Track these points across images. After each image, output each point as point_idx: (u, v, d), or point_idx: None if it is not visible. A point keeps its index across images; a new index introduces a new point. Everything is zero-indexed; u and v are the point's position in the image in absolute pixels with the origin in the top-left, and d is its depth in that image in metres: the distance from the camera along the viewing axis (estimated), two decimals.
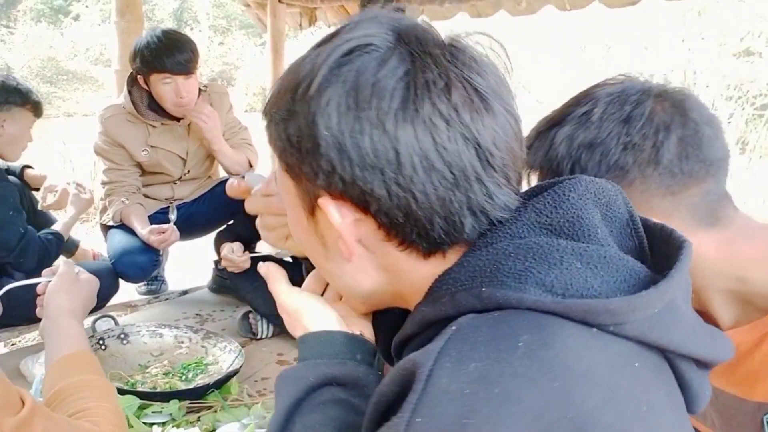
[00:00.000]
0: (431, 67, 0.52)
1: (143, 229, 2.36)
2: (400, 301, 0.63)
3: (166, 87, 2.31)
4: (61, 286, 1.29)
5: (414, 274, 0.58)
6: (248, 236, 2.31)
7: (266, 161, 4.22)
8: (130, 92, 2.44)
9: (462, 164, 0.52)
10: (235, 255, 2.21)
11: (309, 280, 0.80)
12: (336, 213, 0.55)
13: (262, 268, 0.79)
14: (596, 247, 0.53)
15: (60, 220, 2.43)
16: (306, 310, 0.71)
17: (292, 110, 0.55)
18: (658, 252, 0.58)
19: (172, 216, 2.47)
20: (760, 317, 0.81)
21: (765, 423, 0.82)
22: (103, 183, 2.53)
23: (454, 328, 0.49)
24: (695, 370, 0.57)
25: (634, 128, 0.77)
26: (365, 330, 0.72)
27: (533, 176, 0.86)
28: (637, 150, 0.77)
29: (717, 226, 0.81)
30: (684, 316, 0.55)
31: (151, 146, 2.47)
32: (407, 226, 0.54)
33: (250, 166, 2.63)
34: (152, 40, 2.29)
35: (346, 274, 0.62)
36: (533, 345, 0.47)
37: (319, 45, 0.57)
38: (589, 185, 0.57)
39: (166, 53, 2.27)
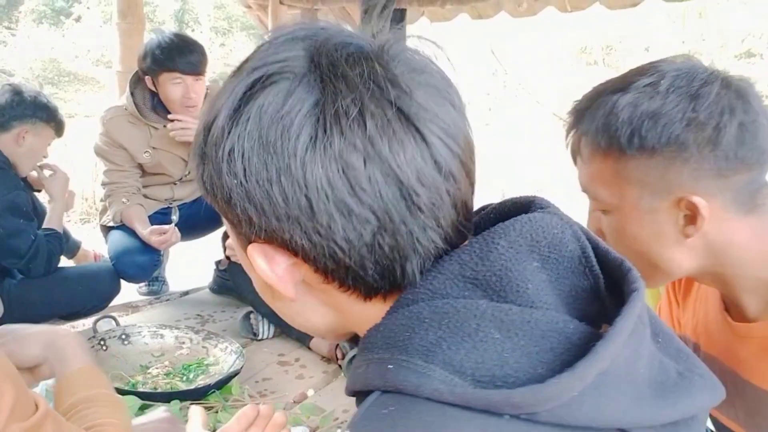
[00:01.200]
0: (343, 92, 0.45)
1: (144, 230, 2.36)
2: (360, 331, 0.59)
3: (176, 87, 2.33)
4: None
5: (361, 314, 0.54)
6: None
7: None
8: (132, 93, 2.44)
9: (384, 205, 0.46)
10: None
11: (231, 422, 0.87)
12: (263, 263, 0.51)
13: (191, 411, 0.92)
14: (521, 309, 0.47)
15: (47, 214, 2.42)
16: None
17: (203, 154, 0.50)
18: (616, 292, 0.51)
19: (174, 217, 2.48)
20: None
21: None
22: (104, 184, 2.53)
23: (347, 424, 0.47)
24: None
25: (701, 105, 0.77)
26: None
27: (583, 140, 0.85)
28: (700, 128, 0.77)
29: (755, 214, 0.82)
30: (623, 388, 0.47)
31: (153, 148, 2.47)
32: (340, 272, 0.49)
33: None
34: (164, 40, 2.31)
35: (296, 314, 0.58)
36: None
37: (233, 74, 0.51)
38: (524, 228, 0.50)
39: (178, 53, 2.29)
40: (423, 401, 0.45)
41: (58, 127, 2.36)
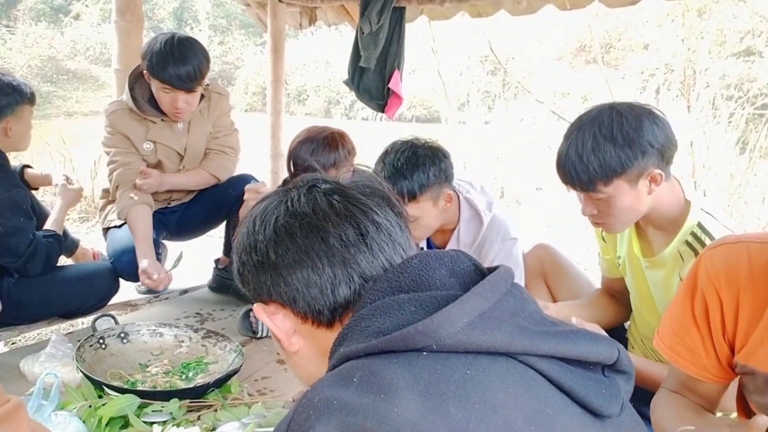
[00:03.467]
0: (292, 193, 0.80)
1: (143, 258, 2.29)
2: None
3: (165, 95, 2.31)
4: None
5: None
6: None
7: (266, 162, 4.22)
8: (132, 87, 2.42)
9: (316, 255, 0.75)
10: None
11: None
12: (263, 313, 0.79)
13: None
14: (431, 292, 0.68)
15: (51, 216, 2.42)
16: None
17: (233, 250, 0.86)
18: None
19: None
20: None
21: None
22: (110, 164, 2.45)
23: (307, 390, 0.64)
24: (569, 371, 0.67)
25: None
26: None
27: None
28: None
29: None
30: (508, 321, 0.66)
31: (152, 141, 2.47)
32: (300, 303, 0.75)
33: (218, 180, 2.61)
34: (163, 47, 2.24)
35: (300, 367, 0.82)
36: (364, 377, 0.61)
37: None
38: (430, 253, 0.73)
39: (171, 65, 2.22)
40: (362, 358, 0.64)
41: (31, 100, 2.29)
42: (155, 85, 2.31)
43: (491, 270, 0.73)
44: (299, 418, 0.61)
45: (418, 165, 1.81)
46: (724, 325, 1.04)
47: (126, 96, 2.43)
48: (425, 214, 1.86)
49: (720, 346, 1.06)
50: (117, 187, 2.41)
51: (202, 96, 2.47)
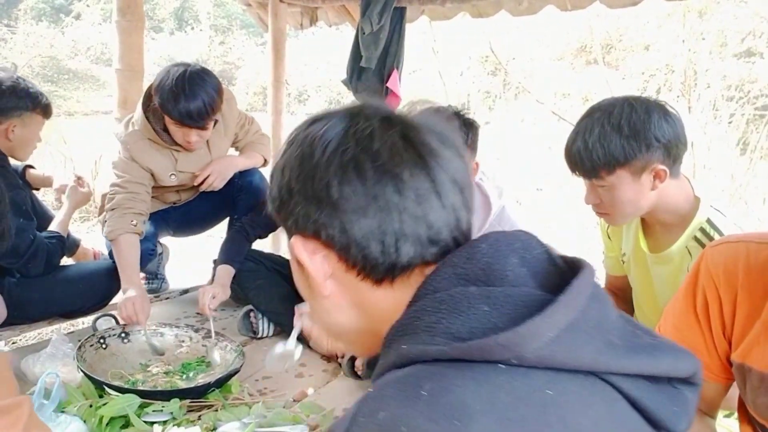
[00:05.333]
0: (362, 123, 0.66)
1: (127, 285, 2.18)
2: (379, 343, 0.70)
3: (176, 130, 2.25)
4: None
5: (378, 306, 0.68)
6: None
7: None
8: (145, 113, 2.33)
9: (384, 195, 0.64)
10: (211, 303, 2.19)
11: None
12: (302, 249, 0.67)
13: None
14: (503, 288, 0.60)
15: (56, 218, 2.42)
16: None
17: (271, 175, 0.72)
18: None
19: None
20: None
21: None
22: (117, 186, 2.34)
23: (370, 389, 0.56)
24: (647, 387, 0.60)
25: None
26: None
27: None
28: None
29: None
30: (594, 335, 0.58)
31: (179, 171, 2.43)
32: (353, 250, 0.65)
33: (265, 161, 2.66)
34: (174, 83, 2.14)
35: (326, 312, 0.72)
36: (435, 392, 0.53)
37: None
38: (499, 236, 0.65)
39: (181, 104, 2.14)
40: (431, 363, 0.56)
41: (44, 111, 2.30)
42: (167, 120, 2.24)
43: (567, 261, 0.65)
44: None
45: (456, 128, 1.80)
46: (724, 323, 1.05)
47: (140, 125, 2.34)
48: None
49: (720, 344, 1.06)
50: (113, 208, 2.29)
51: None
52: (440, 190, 0.65)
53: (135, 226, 2.27)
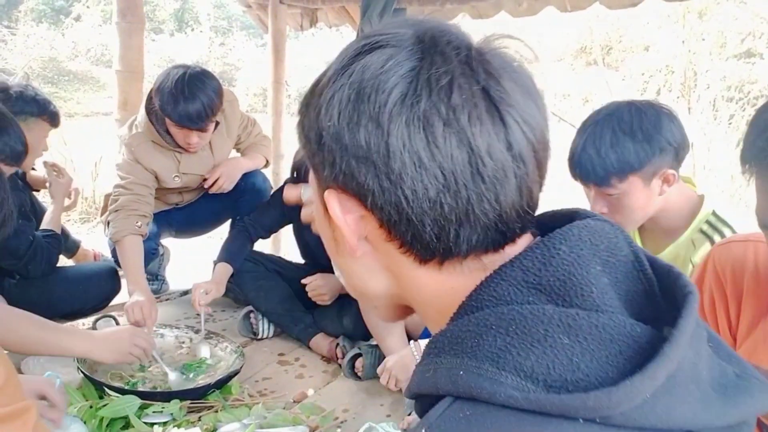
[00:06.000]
0: (438, 64, 0.51)
1: (133, 287, 2.16)
2: (410, 310, 0.63)
3: (177, 131, 2.26)
4: None
5: (416, 282, 0.57)
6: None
7: None
8: (148, 115, 2.33)
9: (453, 167, 0.50)
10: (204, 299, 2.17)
11: None
12: (337, 207, 0.55)
13: None
14: (587, 313, 0.48)
15: (47, 214, 2.40)
16: None
17: (308, 103, 0.57)
18: (666, 296, 0.53)
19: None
20: None
21: None
22: (121, 188, 2.33)
23: (423, 430, 0.49)
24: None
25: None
26: None
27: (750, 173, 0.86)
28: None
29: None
30: (692, 389, 0.49)
31: (183, 173, 2.44)
32: (402, 225, 0.53)
33: (267, 163, 2.68)
34: (174, 86, 2.15)
35: (354, 273, 0.61)
36: None
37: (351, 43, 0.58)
38: (582, 232, 0.53)
39: (180, 106, 2.15)
40: (498, 408, 0.46)
41: (51, 119, 2.31)
42: (168, 122, 2.26)
43: (657, 269, 0.54)
44: None
45: None
46: (730, 321, 1.06)
47: (143, 127, 2.35)
48: None
49: (727, 342, 1.07)
50: (117, 210, 2.29)
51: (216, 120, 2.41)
52: (516, 160, 0.52)
53: (140, 227, 2.26)
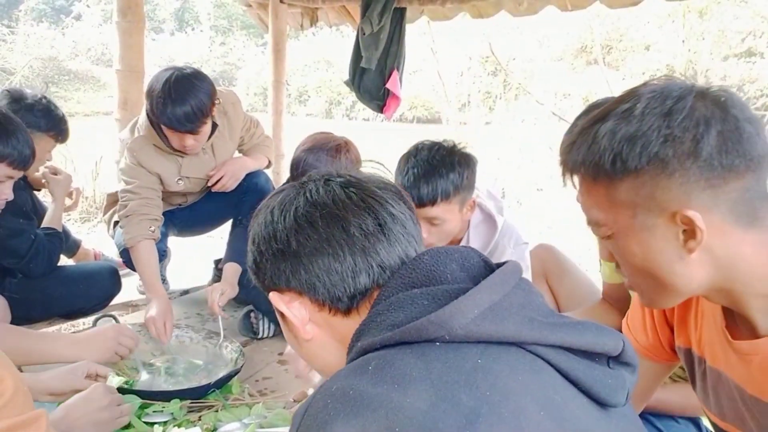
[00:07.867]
0: (319, 191, 0.80)
1: (151, 294, 2.18)
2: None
3: (172, 134, 2.24)
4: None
5: (350, 334, 0.75)
6: None
7: None
8: (149, 118, 2.30)
9: (345, 246, 0.77)
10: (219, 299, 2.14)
11: None
12: (282, 304, 0.79)
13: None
14: (442, 286, 0.71)
15: (48, 213, 2.41)
16: None
17: (248, 241, 0.86)
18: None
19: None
20: None
21: None
22: (128, 192, 2.31)
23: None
24: (577, 361, 0.69)
25: (674, 121, 0.78)
26: None
27: (575, 175, 0.88)
28: (677, 142, 0.78)
29: (756, 227, 0.81)
30: (516, 313, 0.68)
31: (185, 177, 2.44)
32: (318, 288, 0.76)
33: (270, 163, 2.69)
34: (164, 88, 2.11)
35: (315, 356, 0.83)
36: (379, 366, 0.64)
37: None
38: (440, 249, 0.76)
39: (169, 109, 2.11)
40: (379, 350, 0.68)
41: (58, 136, 2.31)
42: (161, 125, 2.24)
43: (499, 265, 0.75)
44: (317, 405, 0.63)
45: (454, 165, 1.74)
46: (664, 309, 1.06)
47: (145, 130, 2.33)
48: (452, 218, 1.79)
49: (662, 328, 1.08)
50: (128, 215, 2.27)
51: (215, 122, 2.40)
52: (384, 225, 0.77)
53: (153, 232, 2.26)
